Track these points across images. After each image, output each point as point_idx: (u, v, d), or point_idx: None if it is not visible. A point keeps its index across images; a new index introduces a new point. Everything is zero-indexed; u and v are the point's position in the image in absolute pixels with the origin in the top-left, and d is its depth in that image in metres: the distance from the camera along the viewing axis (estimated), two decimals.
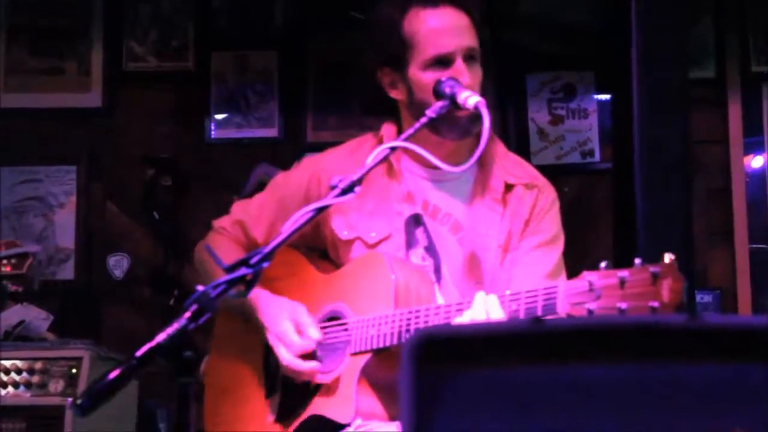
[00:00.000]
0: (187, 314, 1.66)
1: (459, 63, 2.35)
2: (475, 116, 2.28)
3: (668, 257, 1.86)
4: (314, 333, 2.36)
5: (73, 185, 4.40)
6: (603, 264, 1.93)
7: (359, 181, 1.98)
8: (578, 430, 1.31)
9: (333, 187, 1.97)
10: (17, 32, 4.49)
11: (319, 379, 2.38)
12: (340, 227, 2.50)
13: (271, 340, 2.40)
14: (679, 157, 3.08)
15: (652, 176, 3.08)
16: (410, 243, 2.45)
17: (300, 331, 2.37)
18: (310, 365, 2.35)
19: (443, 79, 2.31)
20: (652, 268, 1.85)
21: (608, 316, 1.80)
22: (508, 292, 2.14)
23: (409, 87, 2.42)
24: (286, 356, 2.36)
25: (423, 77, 2.38)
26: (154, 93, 4.48)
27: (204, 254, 2.59)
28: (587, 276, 1.94)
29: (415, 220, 2.46)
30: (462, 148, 2.43)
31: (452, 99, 2.27)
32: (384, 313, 2.28)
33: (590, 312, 1.91)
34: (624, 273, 1.88)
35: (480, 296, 2.17)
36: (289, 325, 2.37)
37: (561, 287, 2.01)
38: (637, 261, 1.89)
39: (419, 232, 2.46)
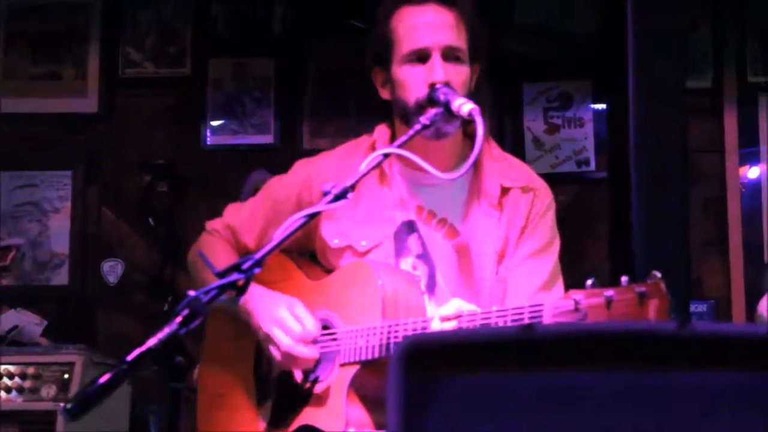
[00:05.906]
0: (179, 319, 1.65)
1: (435, 59, 2.33)
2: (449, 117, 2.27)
3: (655, 275, 1.85)
4: (312, 325, 2.34)
5: (68, 190, 4.39)
6: (589, 282, 1.91)
7: (352, 188, 1.96)
8: None
9: (326, 194, 1.95)
10: (15, 38, 4.49)
11: (310, 386, 2.37)
12: (330, 235, 2.48)
13: (266, 328, 2.35)
14: (675, 165, 3.08)
15: (648, 185, 3.08)
16: (401, 251, 2.43)
17: (299, 321, 2.34)
18: (311, 350, 2.32)
19: (438, 86, 2.28)
20: (637, 288, 1.84)
21: (600, 323, 1.79)
22: (495, 308, 2.15)
23: (392, 84, 2.41)
24: (286, 341, 2.31)
25: (400, 73, 2.37)
26: (150, 99, 4.48)
27: (196, 257, 2.58)
28: (573, 294, 1.92)
29: (408, 227, 2.44)
30: (455, 152, 2.41)
31: (446, 106, 2.25)
32: (372, 322, 2.26)
33: None
34: (610, 292, 1.86)
35: (456, 302, 2.21)
36: (287, 313, 2.34)
37: (547, 305, 2.00)
38: (624, 279, 1.87)
39: (412, 240, 2.44)
